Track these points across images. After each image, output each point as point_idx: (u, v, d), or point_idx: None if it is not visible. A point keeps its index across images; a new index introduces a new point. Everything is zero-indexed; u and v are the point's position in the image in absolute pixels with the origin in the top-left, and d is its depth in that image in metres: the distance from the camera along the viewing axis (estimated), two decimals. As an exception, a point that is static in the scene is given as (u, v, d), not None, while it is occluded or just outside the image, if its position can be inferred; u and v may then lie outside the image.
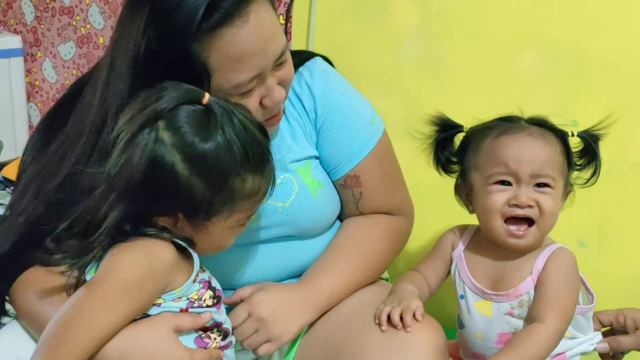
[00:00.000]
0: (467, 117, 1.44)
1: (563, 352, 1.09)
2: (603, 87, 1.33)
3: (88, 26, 2.07)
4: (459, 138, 1.13)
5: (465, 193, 1.11)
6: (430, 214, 1.53)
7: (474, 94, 1.45)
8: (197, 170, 0.85)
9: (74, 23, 2.10)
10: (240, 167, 0.87)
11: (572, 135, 1.07)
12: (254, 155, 0.88)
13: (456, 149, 1.14)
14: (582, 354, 1.11)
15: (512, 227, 1.02)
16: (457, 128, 1.12)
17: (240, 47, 0.91)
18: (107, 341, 0.85)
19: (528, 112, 1.38)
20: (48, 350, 0.82)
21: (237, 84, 0.94)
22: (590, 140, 1.09)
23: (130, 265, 0.87)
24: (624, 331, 1.10)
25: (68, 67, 2.16)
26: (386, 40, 1.53)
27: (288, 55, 1.00)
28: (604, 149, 1.33)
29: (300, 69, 1.11)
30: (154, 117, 0.85)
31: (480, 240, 1.10)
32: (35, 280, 0.97)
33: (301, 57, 1.12)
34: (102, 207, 0.86)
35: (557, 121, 1.36)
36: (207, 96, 0.87)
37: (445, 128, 1.13)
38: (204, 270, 0.98)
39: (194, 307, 0.93)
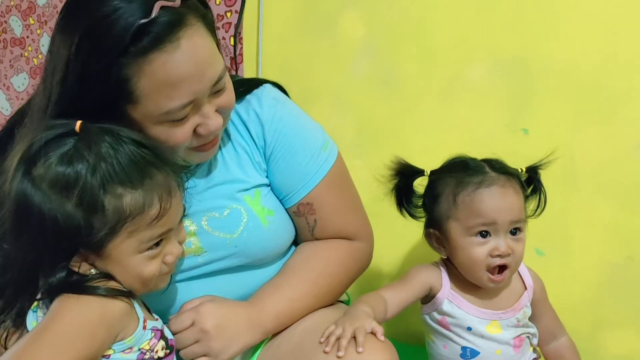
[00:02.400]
0: (420, 130, 1.40)
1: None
2: (551, 96, 1.30)
3: (40, 56, 1.98)
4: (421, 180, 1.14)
5: (436, 238, 1.13)
6: (390, 231, 1.47)
7: (425, 107, 1.41)
8: (65, 196, 0.80)
9: (25, 54, 2.01)
10: (108, 185, 0.81)
11: (522, 171, 1.12)
12: (126, 171, 0.82)
13: (420, 193, 1.15)
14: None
15: (493, 276, 1.08)
16: (418, 173, 1.13)
17: (172, 73, 0.86)
18: None
19: (479, 123, 1.35)
20: None
21: (167, 110, 0.88)
22: (534, 174, 1.13)
23: (83, 309, 0.81)
24: None
25: (22, 99, 2.06)
26: (335, 58, 1.48)
27: (228, 82, 0.95)
28: (554, 154, 1.29)
29: (248, 96, 1.06)
30: (22, 161, 0.82)
31: (459, 276, 1.13)
32: None
33: (250, 85, 1.07)
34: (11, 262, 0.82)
35: (508, 130, 1.33)
36: (78, 124, 0.83)
37: (406, 173, 1.13)
38: (155, 319, 0.92)
39: (144, 359, 0.86)
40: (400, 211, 1.15)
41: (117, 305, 0.83)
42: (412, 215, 1.15)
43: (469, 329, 1.10)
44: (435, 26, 1.36)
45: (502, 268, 1.07)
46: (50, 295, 0.83)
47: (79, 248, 0.83)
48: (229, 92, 0.95)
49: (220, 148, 1.04)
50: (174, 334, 0.93)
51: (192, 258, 1.00)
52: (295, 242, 1.12)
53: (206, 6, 0.94)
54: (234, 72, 1.59)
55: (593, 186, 1.28)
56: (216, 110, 0.94)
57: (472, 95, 1.35)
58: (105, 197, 0.81)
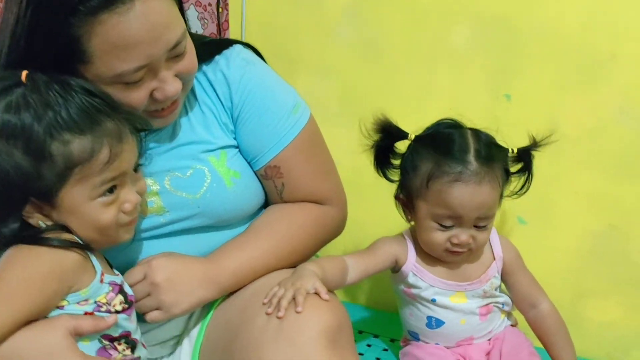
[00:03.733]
0: (403, 96, 1.36)
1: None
2: (534, 62, 1.26)
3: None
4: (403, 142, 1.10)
5: (404, 204, 1.11)
6: (369, 199, 1.44)
7: (408, 73, 1.37)
8: (12, 145, 0.79)
9: None
10: (55, 132, 0.79)
11: (512, 152, 1.08)
12: (74, 118, 0.80)
13: (401, 153, 1.11)
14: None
15: (451, 254, 1.07)
16: (402, 136, 1.09)
17: (124, 35, 0.83)
18: (3, 340, 0.76)
19: (462, 89, 1.30)
20: None
21: (119, 72, 0.85)
22: (526, 155, 1.09)
23: (33, 260, 0.79)
24: None
25: None
26: (320, 25, 1.44)
27: (189, 47, 0.92)
28: (537, 121, 1.25)
29: (217, 57, 1.02)
30: None
31: (423, 251, 1.11)
32: None
33: (219, 45, 1.04)
34: None
35: (489, 96, 1.29)
36: (24, 74, 0.81)
37: (389, 134, 1.09)
38: (115, 274, 0.89)
39: (100, 312, 0.83)
40: (377, 169, 1.12)
41: (70, 257, 0.81)
42: (387, 177, 1.12)
43: (433, 300, 1.09)
44: (419, -9, 1.32)
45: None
46: (4, 246, 0.81)
47: (30, 197, 0.80)
48: (190, 57, 0.92)
49: (186, 108, 1.01)
50: (130, 286, 0.91)
51: (154, 217, 0.97)
52: (267, 205, 1.09)
53: None
54: (217, 34, 1.54)
55: (577, 153, 1.25)
56: (176, 75, 0.90)
57: (455, 61, 1.32)
58: (53, 144, 0.79)
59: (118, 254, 0.94)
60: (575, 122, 1.23)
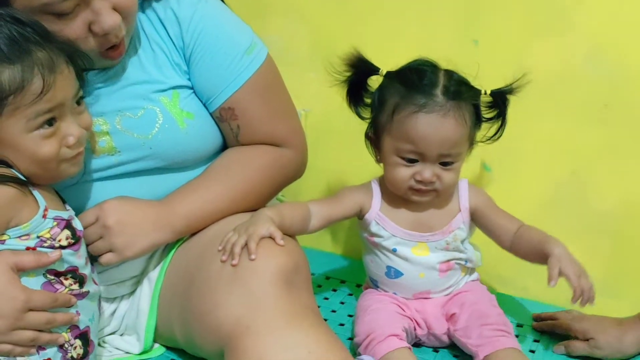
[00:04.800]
0: (372, 41, 1.32)
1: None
2: (502, 6, 1.21)
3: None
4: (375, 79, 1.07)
5: (373, 143, 1.09)
6: (339, 144, 1.42)
7: (377, 17, 1.33)
8: None
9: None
10: None
11: (485, 94, 1.04)
12: (2, 48, 0.78)
13: (371, 91, 1.07)
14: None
15: (416, 193, 1.04)
16: (373, 71, 1.06)
17: None
18: None
19: (431, 34, 1.27)
20: None
21: (44, 2, 0.82)
22: (500, 99, 1.05)
23: None
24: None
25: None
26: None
27: None
28: (503, 66, 1.21)
29: None
30: None
31: (389, 197, 1.09)
32: None
33: None
34: None
35: (458, 42, 1.25)
36: None
37: (361, 69, 1.06)
38: (66, 210, 0.89)
39: (44, 247, 0.83)
40: (349, 105, 1.08)
41: (5, 191, 0.80)
42: (359, 114, 1.09)
43: (394, 250, 1.07)
44: None
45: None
46: None
47: None
48: None
49: (135, 47, 0.98)
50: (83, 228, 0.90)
51: (106, 157, 0.96)
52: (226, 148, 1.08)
53: None
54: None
55: (542, 100, 1.21)
56: (114, 9, 0.87)
57: (423, 5, 1.28)
58: None
59: (72, 193, 0.94)
60: (542, 68, 1.19)
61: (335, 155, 1.41)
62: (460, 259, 1.09)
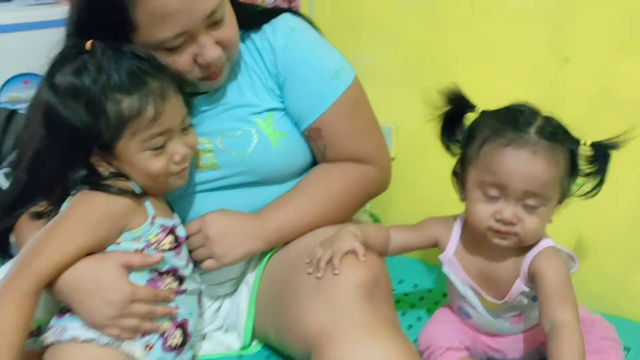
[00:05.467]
0: (461, 57, 1.34)
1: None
2: (594, 24, 1.21)
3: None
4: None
5: (459, 179, 1.04)
6: (429, 159, 1.44)
7: (467, 34, 1.36)
8: (76, 102, 0.91)
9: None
10: (108, 91, 0.90)
11: (584, 144, 0.97)
12: (123, 81, 0.91)
13: (464, 130, 1.03)
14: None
15: (496, 236, 0.98)
16: (469, 107, 1.02)
17: (160, 6, 0.92)
18: (66, 267, 0.90)
19: (521, 51, 1.27)
20: (17, 270, 0.89)
21: (161, 40, 0.95)
22: (602, 153, 0.97)
23: (91, 204, 0.93)
24: None
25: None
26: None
27: (228, 16, 0.99)
28: (595, 85, 1.20)
29: (265, 26, 1.08)
30: (46, 74, 0.93)
31: (468, 239, 1.04)
32: (24, 220, 1.06)
33: (269, 14, 1.10)
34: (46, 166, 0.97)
35: (549, 57, 1.25)
36: (88, 43, 0.92)
37: (458, 105, 1.03)
38: (173, 218, 1.01)
39: (150, 249, 0.95)
40: (441, 140, 1.06)
41: (122, 202, 0.93)
42: (449, 149, 1.05)
43: (463, 296, 1.05)
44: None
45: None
46: (75, 189, 0.94)
47: (93, 147, 0.93)
48: (229, 27, 0.99)
49: (236, 74, 1.08)
50: (186, 238, 1.02)
51: (208, 172, 1.07)
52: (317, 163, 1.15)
53: None
54: (285, 5, 1.58)
55: (631, 120, 1.16)
56: (216, 43, 0.98)
57: (515, 21, 1.29)
58: (107, 103, 0.90)
59: (179, 203, 1.06)
60: (632, 87, 1.18)
61: (424, 169, 1.45)
62: (532, 308, 1.02)
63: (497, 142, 0.94)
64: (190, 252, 1.03)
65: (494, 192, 0.95)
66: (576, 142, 0.96)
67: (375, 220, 1.30)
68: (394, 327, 0.92)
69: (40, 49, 0.98)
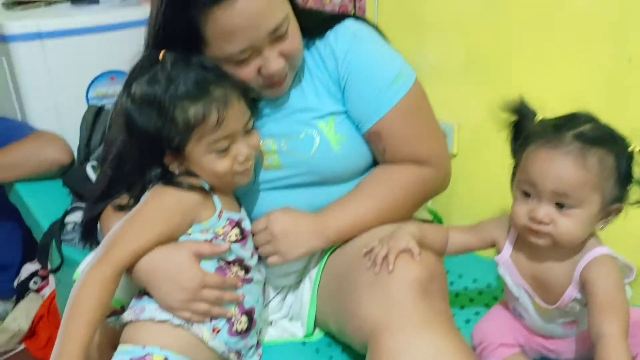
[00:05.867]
0: (526, 56, 1.35)
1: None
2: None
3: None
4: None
5: (512, 179, 1.06)
6: (488, 154, 1.46)
7: (531, 33, 1.36)
8: (150, 109, 0.99)
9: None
10: (176, 99, 0.98)
11: (632, 150, 0.95)
12: (189, 89, 0.98)
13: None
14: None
15: (531, 233, 0.99)
16: (532, 117, 1.02)
17: (228, 24, 0.99)
18: (142, 254, 0.99)
19: (583, 50, 1.26)
20: (99, 257, 0.99)
21: (228, 54, 1.02)
22: None
23: (164, 198, 1.02)
24: None
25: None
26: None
27: (291, 29, 1.05)
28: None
29: (328, 32, 1.13)
30: (125, 84, 1.02)
31: (523, 241, 1.05)
32: (109, 211, 1.16)
33: (332, 21, 1.14)
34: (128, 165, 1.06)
35: (611, 59, 1.24)
36: (162, 54, 1.01)
37: (521, 115, 1.04)
38: (239, 212, 1.09)
39: (217, 240, 1.03)
40: (511, 151, 1.06)
41: (192, 197, 1.01)
42: (514, 155, 1.06)
43: (517, 298, 1.07)
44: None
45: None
46: (152, 184, 1.04)
47: (166, 149, 1.02)
48: (292, 39, 1.05)
49: (300, 80, 1.14)
50: (253, 234, 1.09)
51: (274, 172, 1.14)
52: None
53: None
54: (352, 5, 1.62)
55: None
56: (280, 54, 1.04)
57: (578, 21, 1.28)
58: (175, 110, 0.98)
59: (247, 199, 1.14)
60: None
61: (486, 165, 1.46)
62: (585, 315, 1.02)
63: (537, 144, 0.97)
64: (256, 247, 1.10)
65: (527, 190, 0.97)
66: (623, 147, 0.96)
67: (434, 216, 1.33)
68: (447, 321, 0.96)
69: (125, 48, 1.09)
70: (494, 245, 1.10)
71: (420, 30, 1.52)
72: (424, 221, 1.24)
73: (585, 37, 1.28)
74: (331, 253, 1.14)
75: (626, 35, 1.23)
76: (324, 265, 1.15)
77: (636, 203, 0.97)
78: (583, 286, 0.98)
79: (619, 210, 0.99)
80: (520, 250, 1.05)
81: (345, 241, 1.13)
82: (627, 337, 0.92)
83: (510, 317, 1.12)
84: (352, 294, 1.00)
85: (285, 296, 1.22)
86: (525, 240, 1.03)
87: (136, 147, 1.02)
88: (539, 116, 1.02)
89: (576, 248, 1.00)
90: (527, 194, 0.98)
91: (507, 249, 1.06)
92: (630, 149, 0.95)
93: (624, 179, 0.96)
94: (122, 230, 0.99)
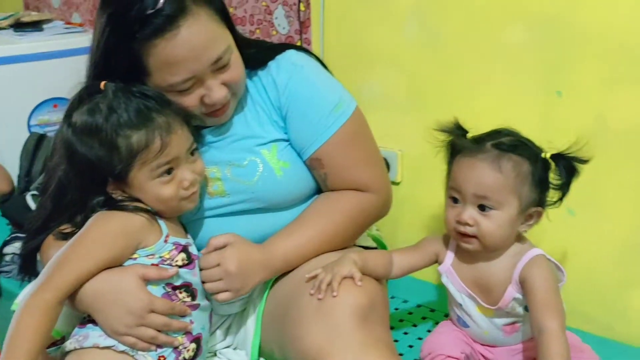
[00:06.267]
0: (462, 88, 1.40)
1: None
2: (585, 59, 1.27)
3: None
4: None
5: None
6: (434, 182, 1.50)
7: (467, 67, 1.43)
8: (91, 139, 0.99)
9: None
10: (118, 127, 0.99)
11: (544, 157, 1.06)
12: (131, 117, 0.99)
13: None
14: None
15: (460, 239, 1.09)
16: (463, 135, 1.12)
17: (171, 55, 1.00)
18: (86, 279, 0.98)
19: (516, 84, 1.34)
20: (43, 282, 0.97)
21: (171, 84, 1.03)
22: (563, 165, 1.06)
23: (107, 221, 1.01)
24: None
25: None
26: (390, 21, 1.52)
27: (234, 59, 1.07)
28: (587, 117, 1.25)
29: (270, 62, 1.15)
30: (65, 114, 1.02)
31: (462, 250, 1.13)
32: (50, 240, 1.13)
33: (274, 51, 1.17)
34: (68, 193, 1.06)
35: (541, 92, 1.31)
36: (102, 84, 1.01)
37: (453, 133, 1.13)
38: (186, 237, 1.08)
39: (164, 265, 1.03)
40: (448, 169, 1.15)
41: (137, 220, 1.01)
42: (448, 170, 1.14)
43: (461, 305, 1.13)
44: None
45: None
46: (94, 212, 1.03)
47: (109, 178, 1.02)
48: (234, 69, 1.07)
49: (243, 108, 1.16)
50: (202, 269, 1.07)
51: (218, 199, 1.14)
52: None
53: None
54: (298, 37, 1.66)
55: (623, 148, 1.25)
56: (223, 84, 1.06)
57: (510, 57, 1.35)
58: (118, 138, 0.99)
59: (193, 226, 1.13)
60: (622, 117, 1.23)
61: (430, 192, 1.47)
62: (525, 319, 1.10)
63: (462, 154, 1.08)
64: (203, 283, 1.07)
65: (455, 195, 1.08)
66: (535, 154, 1.06)
67: (379, 243, 1.34)
68: (386, 347, 0.98)
69: (69, 75, 1.08)
70: (436, 260, 1.17)
71: (364, 61, 1.56)
72: (368, 248, 1.25)
73: (518, 70, 1.34)
74: (275, 280, 1.15)
75: (557, 70, 1.29)
76: (269, 292, 1.15)
77: (553, 204, 1.08)
78: (522, 285, 1.06)
79: (539, 214, 1.09)
80: (460, 258, 1.13)
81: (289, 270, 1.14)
82: (565, 333, 1.00)
83: (457, 329, 1.17)
84: (297, 321, 1.01)
85: (230, 325, 1.21)
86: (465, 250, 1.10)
87: (78, 177, 1.02)
88: (470, 134, 1.11)
89: (513, 250, 1.09)
90: (455, 200, 1.09)
91: (449, 258, 1.14)
92: (542, 155, 1.06)
93: (540, 183, 1.06)
94: (65, 255, 0.98)
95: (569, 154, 1.05)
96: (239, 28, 1.78)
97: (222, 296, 1.07)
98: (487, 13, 1.35)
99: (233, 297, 1.08)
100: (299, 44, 1.63)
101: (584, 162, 1.05)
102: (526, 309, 1.08)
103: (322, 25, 1.61)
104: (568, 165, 1.05)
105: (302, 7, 1.65)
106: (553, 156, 1.06)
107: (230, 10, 1.80)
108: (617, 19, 1.20)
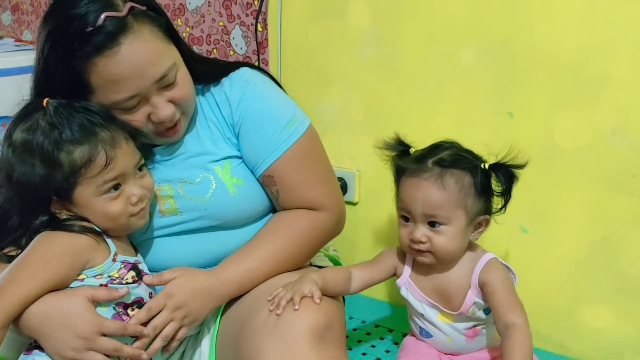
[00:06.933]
0: (417, 109, 1.43)
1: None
2: (534, 80, 1.30)
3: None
4: None
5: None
6: (388, 200, 1.51)
7: (422, 89, 1.45)
8: (31, 157, 0.97)
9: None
10: (60, 143, 0.97)
11: (484, 167, 1.09)
12: (74, 133, 0.97)
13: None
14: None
15: (416, 254, 1.12)
16: (406, 150, 1.15)
17: (112, 73, 0.99)
18: (32, 301, 0.94)
19: (469, 106, 1.37)
20: None
21: (114, 101, 1.02)
22: (502, 173, 1.09)
23: (52, 241, 0.98)
24: None
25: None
26: (345, 44, 1.54)
27: (181, 77, 1.06)
28: (536, 137, 1.29)
29: (223, 79, 1.15)
30: (6, 132, 1.00)
31: (419, 263, 1.15)
32: None
33: (227, 69, 1.16)
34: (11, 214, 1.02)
35: (493, 113, 1.35)
36: (45, 101, 0.99)
37: (396, 149, 1.16)
38: (135, 256, 1.06)
39: (113, 284, 1.00)
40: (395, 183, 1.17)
41: (83, 239, 0.98)
42: (396, 186, 1.16)
43: (422, 314, 1.15)
44: (433, 14, 1.39)
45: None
46: (37, 233, 1.00)
47: (52, 196, 0.99)
48: (181, 86, 1.06)
49: (196, 125, 1.15)
50: (150, 315, 1.01)
51: (170, 217, 1.12)
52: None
53: (158, 12, 1.05)
54: (256, 57, 1.66)
55: (573, 167, 1.28)
56: (170, 101, 1.04)
57: (463, 79, 1.38)
58: (60, 154, 0.96)
59: (144, 245, 1.11)
60: (571, 138, 1.26)
61: (387, 211, 1.51)
62: (486, 322, 1.13)
63: (406, 174, 1.11)
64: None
65: (405, 214, 1.11)
66: (475, 166, 1.08)
67: (336, 264, 1.34)
68: None
69: (17, 93, 1.04)
70: (394, 273, 1.19)
71: (321, 82, 1.57)
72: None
73: (471, 91, 1.37)
74: (229, 301, 1.12)
75: (508, 92, 1.32)
76: (222, 313, 1.13)
77: (499, 210, 1.11)
78: (482, 288, 1.09)
79: (487, 222, 1.13)
80: (417, 270, 1.16)
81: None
82: (530, 329, 1.05)
83: (421, 343, 1.19)
84: (252, 338, 1.00)
85: (185, 349, 1.18)
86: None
87: (19, 199, 0.99)
88: (413, 149, 1.15)
89: (467, 257, 1.12)
90: (406, 219, 1.11)
91: (407, 270, 1.17)
92: (482, 166, 1.08)
93: (483, 193, 1.09)
94: (9, 277, 0.94)
95: (506, 162, 1.09)
96: (196, 48, 1.79)
97: (179, 334, 1.04)
98: (442, 35, 1.38)
99: (188, 331, 1.06)
100: (256, 64, 1.63)
101: (521, 167, 1.08)
102: (486, 312, 1.12)
103: (280, 46, 1.62)
104: (507, 173, 1.08)
105: (259, 28, 1.66)
106: (492, 166, 1.09)
107: (187, 29, 1.80)
108: (565, 43, 1.25)
